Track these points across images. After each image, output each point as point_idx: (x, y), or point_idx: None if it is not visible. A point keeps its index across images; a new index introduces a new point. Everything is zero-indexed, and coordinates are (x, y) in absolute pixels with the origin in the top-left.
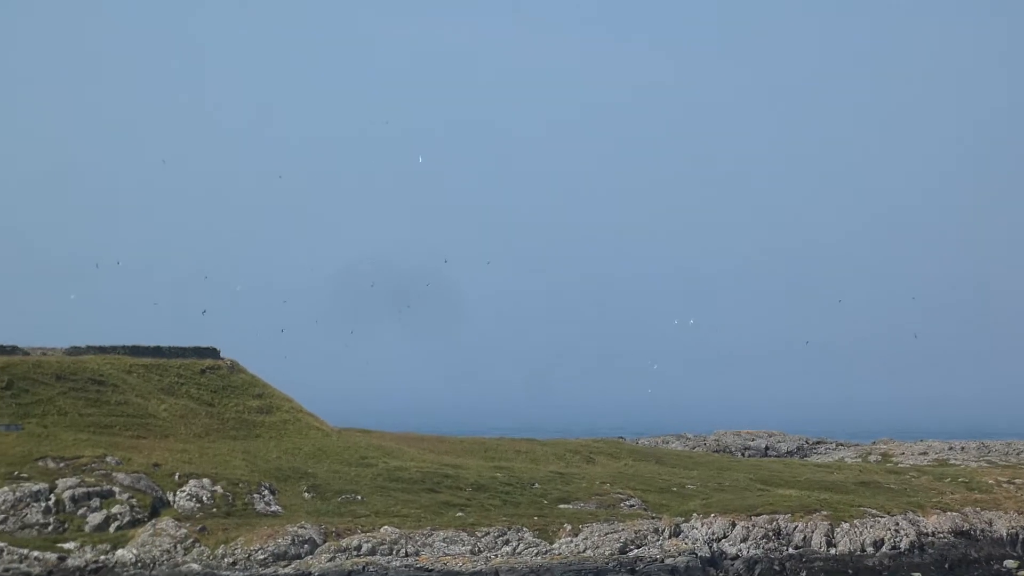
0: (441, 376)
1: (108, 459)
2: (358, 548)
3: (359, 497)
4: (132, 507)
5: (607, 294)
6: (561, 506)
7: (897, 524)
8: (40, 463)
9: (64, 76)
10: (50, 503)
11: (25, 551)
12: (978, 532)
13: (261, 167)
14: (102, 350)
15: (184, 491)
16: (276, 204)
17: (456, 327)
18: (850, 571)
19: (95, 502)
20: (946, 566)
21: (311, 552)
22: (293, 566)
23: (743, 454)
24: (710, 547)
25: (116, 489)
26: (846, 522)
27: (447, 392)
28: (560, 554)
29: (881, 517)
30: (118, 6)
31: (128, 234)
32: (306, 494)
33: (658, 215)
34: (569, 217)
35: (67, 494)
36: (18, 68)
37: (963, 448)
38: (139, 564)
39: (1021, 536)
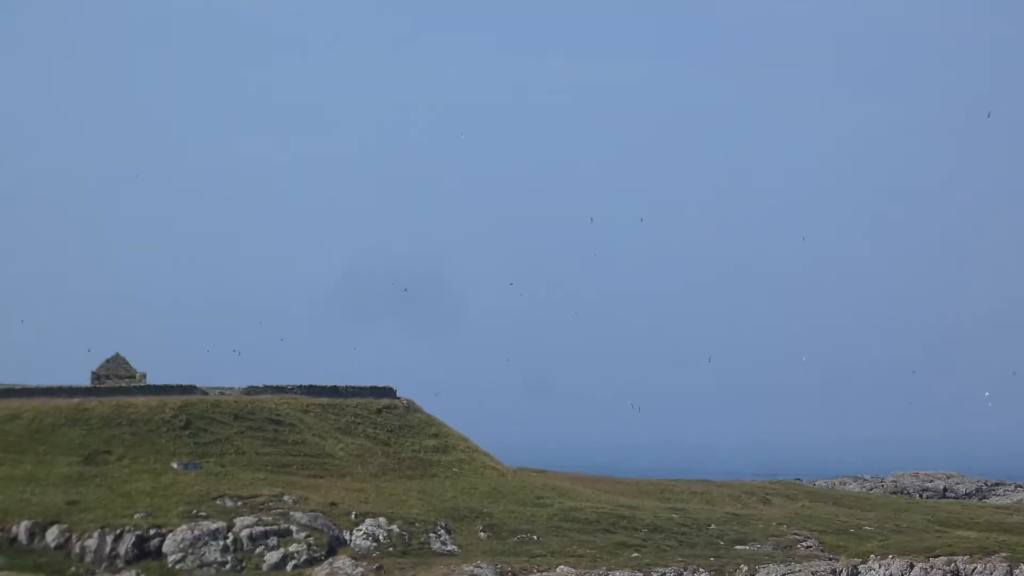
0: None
1: (285, 498)
2: None
3: (535, 537)
4: (309, 546)
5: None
6: (737, 547)
7: None
8: (218, 502)
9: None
10: (228, 541)
11: None
12: None
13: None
14: (279, 389)
15: (361, 530)
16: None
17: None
18: None
19: (272, 540)
20: None
21: None
22: None
23: (921, 495)
24: None
25: (293, 528)
26: None
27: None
28: None
29: None
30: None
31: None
32: (482, 533)
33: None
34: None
35: (245, 532)
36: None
37: None
38: None
39: None
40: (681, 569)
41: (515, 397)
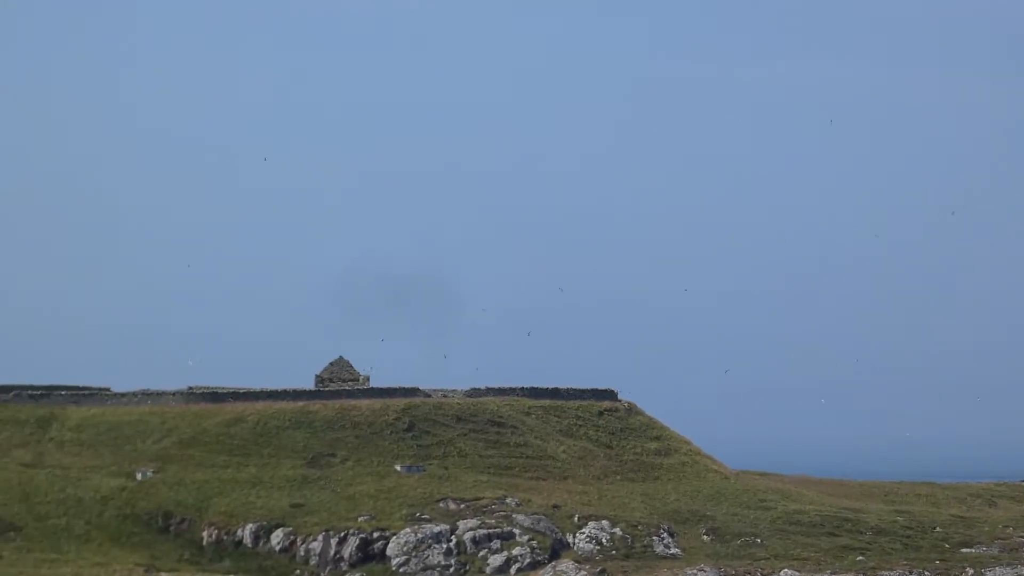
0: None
1: (508, 500)
2: None
3: (758, 540)
4: (532, 549)
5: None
6: (963, 550)
7: None
8: (441, 504)
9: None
10: (451, 544)
11: None
12: None
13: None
14: (501, 392)
15: (584, 533)
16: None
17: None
18: None
19: (496, 544)
20: None
21: None
22: None
23: None
24: None
25: (516, 531)
26: None
27: None
28: None
29: None
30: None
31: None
32: (705, 536)
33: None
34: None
35: (468, 536)
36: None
37: None
38: None
39: None
40: (906, 572)
41: None
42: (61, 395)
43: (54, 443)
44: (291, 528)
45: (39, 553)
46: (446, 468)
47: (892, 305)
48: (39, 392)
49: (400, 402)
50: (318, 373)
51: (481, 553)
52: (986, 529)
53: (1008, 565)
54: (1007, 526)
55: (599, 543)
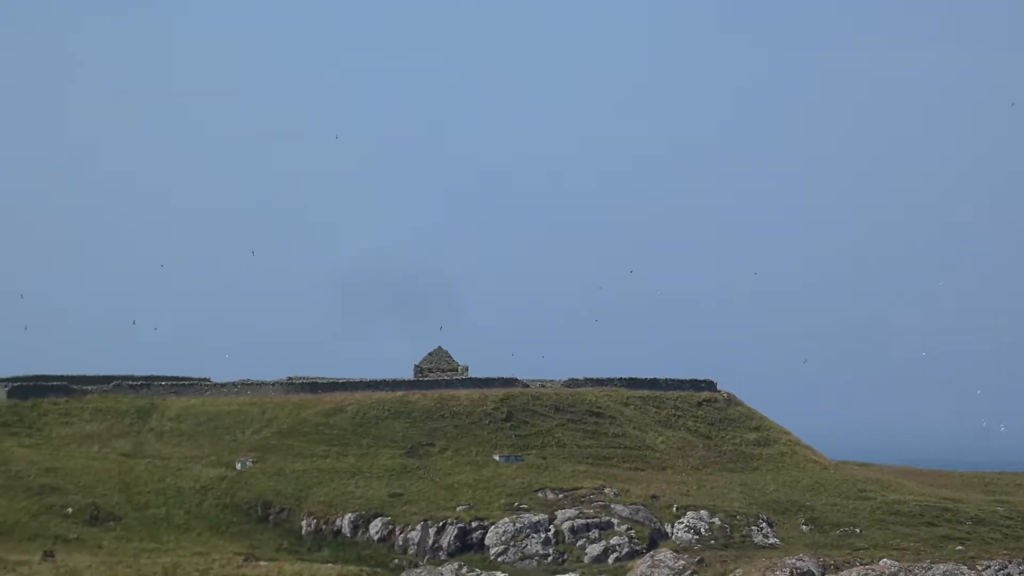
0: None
1: (606, 490)
2: None
3: (857, 530)
4: (630, 538)
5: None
6: None
7: None
8: (539, 494)
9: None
10: (549, 534)
11: None
12: None
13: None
14: (599, 382)
15: (682, 523)
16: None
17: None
18: None
19: (594, 533)
20: None
21: None
22: None
23: None
24: None
25: (615, 520)
26: None
27: None
28: None
29: None
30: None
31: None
32: (804, 526)
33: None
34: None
35: (566, 525)
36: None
37: None
38: None
39: None
40: (1006, 562)
41: None
42: (161, 385)
43: (154, 433)
44: (390, 517)
45: (139, 542)
46: (544, 458)
47: (985, 293)
48: (139, 382)
49: (498, 392)
50: (417, 363)
51: (579, 542)
52: None
53: None
54: None
55: (697, 533)
